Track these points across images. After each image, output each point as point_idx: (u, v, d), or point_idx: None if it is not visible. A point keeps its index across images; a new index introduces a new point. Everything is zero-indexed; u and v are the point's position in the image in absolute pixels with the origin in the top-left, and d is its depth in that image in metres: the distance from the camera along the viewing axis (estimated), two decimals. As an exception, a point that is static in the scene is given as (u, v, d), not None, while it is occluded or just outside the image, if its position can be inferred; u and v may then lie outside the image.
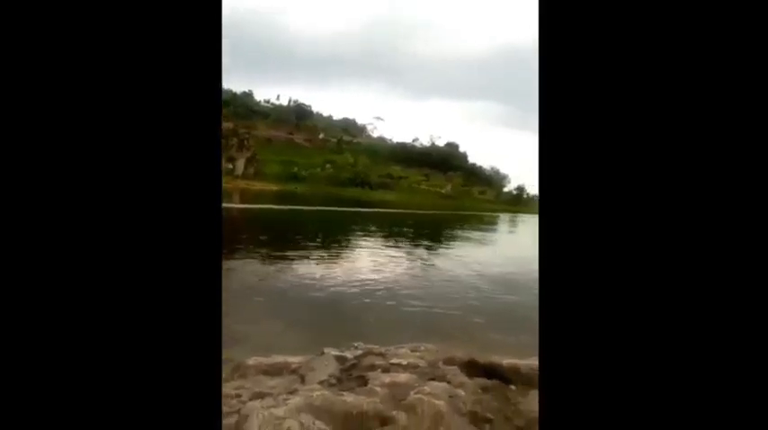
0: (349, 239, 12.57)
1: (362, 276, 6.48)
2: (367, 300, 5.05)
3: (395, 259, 8.60)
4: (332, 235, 13.54)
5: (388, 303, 5.02)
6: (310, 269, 6.77)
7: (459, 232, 17.43)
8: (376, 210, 26.23)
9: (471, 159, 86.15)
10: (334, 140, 72.29)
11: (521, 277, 7.14)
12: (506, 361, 2.40)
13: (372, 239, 12.50)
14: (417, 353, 2.45)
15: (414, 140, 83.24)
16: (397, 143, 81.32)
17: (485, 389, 2.17)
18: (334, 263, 7.68)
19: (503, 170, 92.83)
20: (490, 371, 2.36)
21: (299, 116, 76.56)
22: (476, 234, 16.75)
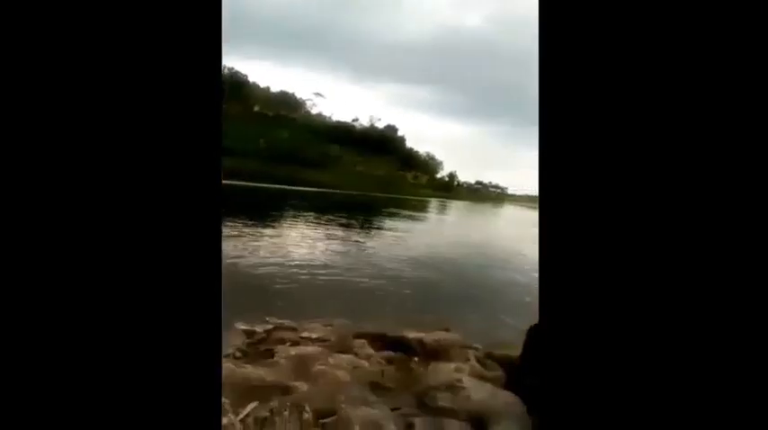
0: (279, 217, 12.28)
1: (290, 254, 6.40)
2: (291, 279, 5.01)
3: (325, 238, 8.58)
4: (261, 212, 13.13)
5: (315, 281, 5.03)
6: (237, 246, 6.54)
7: (393, 214, 17.75)
8: (310, 189, 25.77)
9: (409, 144, 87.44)
10: (270, 115, 69.39)
11: (447, 258, 7.47)
12: (413, 334, 2.53)
13: (303, 218, 12.32)
14: (329, 328, 2.50)
15: (353, 120, 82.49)
16: (337, 122, 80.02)
17: (389, 361, 2.28)
18: (263, 240, 7.49)
19: (438, 156, 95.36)
20: (397, 345, 2.48)
21: (233, 85, 72.19)
22: (408, 217, 17.16)
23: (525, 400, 2.05)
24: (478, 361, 2.44)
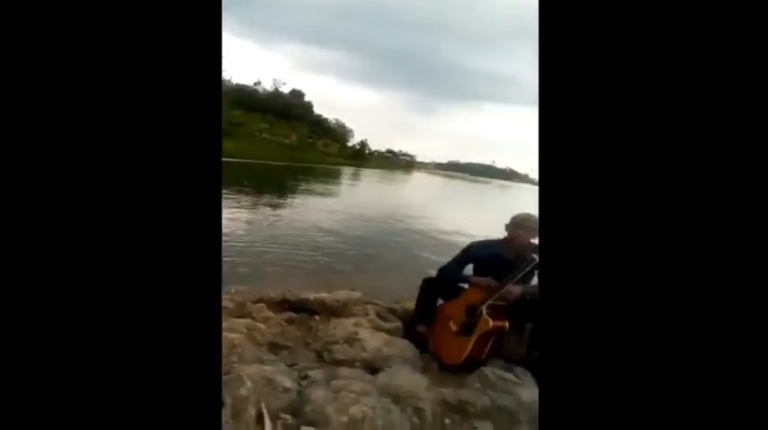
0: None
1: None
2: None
3: (229, 208, 8.16)
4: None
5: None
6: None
7: (302, 183, 17.38)
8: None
9: (317, 110, 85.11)
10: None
11: (357, 225, 7.59)
12: (315, 295, 2.58)
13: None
14: (227, 296, 2.43)
15: (255, 84, 77.59)
16: (237, 85, 74.49)
17: (290, 322, 2.31)
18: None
19: (348, 124, 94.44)
20: (298, 306, 2.50)
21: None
22: (319, 187, 16.94)
23: (417, 345, 2.24)
24: (378, 315, 2.57)
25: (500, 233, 2.29)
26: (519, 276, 1.96)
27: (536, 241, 2.09)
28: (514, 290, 2.01)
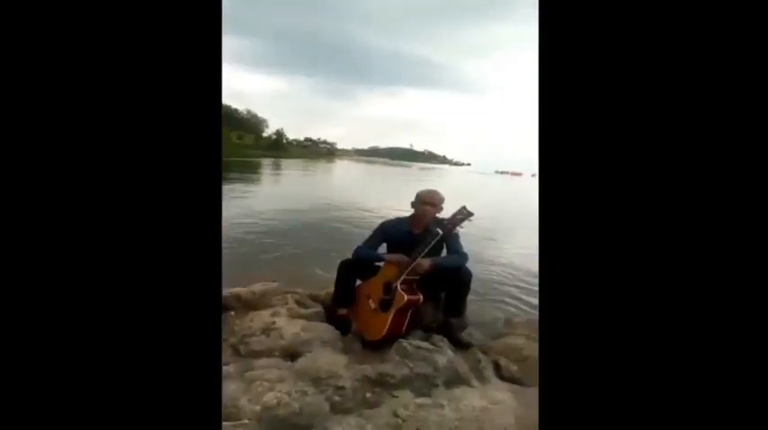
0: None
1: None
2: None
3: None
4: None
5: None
6: None
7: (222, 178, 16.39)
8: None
9: (225, 101, 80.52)
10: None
11: (282, 217, 7.36)
12: (231, 290, 2.47)
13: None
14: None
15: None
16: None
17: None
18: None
19: (260, 114, 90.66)
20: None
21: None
22: (237, 179, 16.13)
23: (338, 327, 2.26)
24: (298, 302, 2.54)
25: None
26: (426, 250, 2.04)
27: (440, 215, 2.19)
28: (424, 263, 2.09)
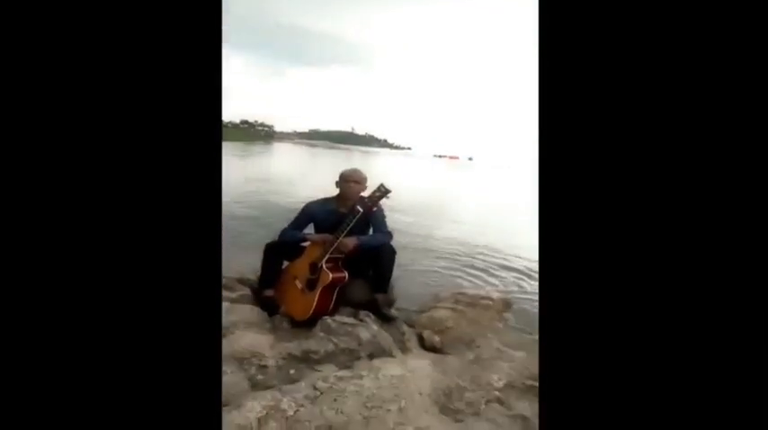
0: None
1: None
2: None
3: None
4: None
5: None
6: None
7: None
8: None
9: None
10: None
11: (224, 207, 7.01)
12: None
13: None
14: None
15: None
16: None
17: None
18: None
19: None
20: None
21: None
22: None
23: (265, 308, 2.25)
24: (224, 287, 2.50)
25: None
26: (347, 228, 2.09)
27: (364, 193, 2.24)
28: (348, 241, 2.14)
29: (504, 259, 4.83)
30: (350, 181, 2.28)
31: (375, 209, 2.13)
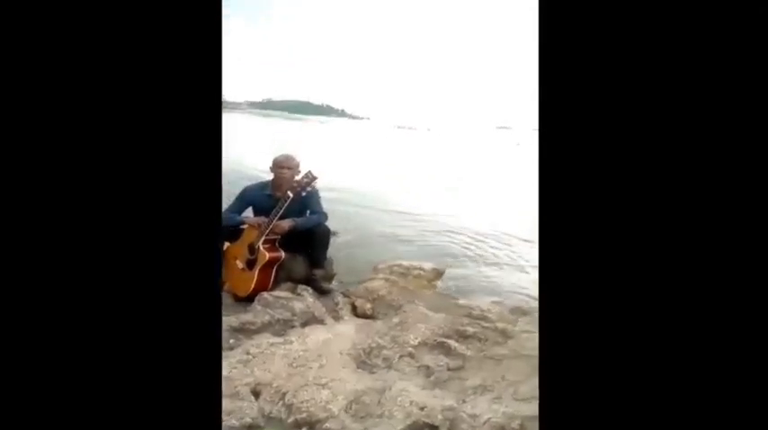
0: None
1: None
2: None
3: None
4: None
5: None
6: None
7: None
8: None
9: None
10: None
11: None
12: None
13: None
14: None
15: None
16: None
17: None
18: None
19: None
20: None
21: None
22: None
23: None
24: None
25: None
26: (280, 212, 2.29)
27: (297, 178, 2.42)
28: (283, 224, 2.34)
29: (450, 228, 5.16)
30: (282, 167, 2.46)
31: (305, 193, 2.33)
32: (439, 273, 3.41)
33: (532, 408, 1.56)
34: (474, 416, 1.45)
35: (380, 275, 3.19)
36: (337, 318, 2.34)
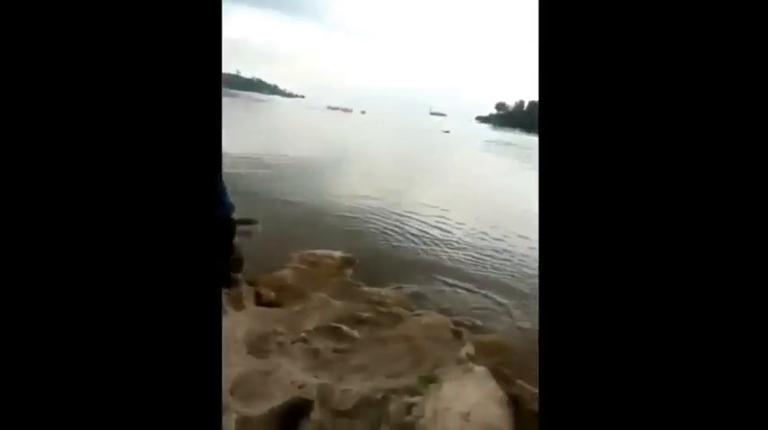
0: None
1: None
2: None
3: None
4: None
5: None
6: None
7: None
8: None
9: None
10: None
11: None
12: None
13: None
14: None
15: None
16: None
17: None
18: None
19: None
20: None
21: None
22: None
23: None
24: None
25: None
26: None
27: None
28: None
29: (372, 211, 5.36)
30: None
31: None
32: (350, 262, 3.62)
33: (399, 383, 1.83)
34: (345, 391, 1.67)
35: (292, 264, 3.33)
36: (239, 308, 2.45)
